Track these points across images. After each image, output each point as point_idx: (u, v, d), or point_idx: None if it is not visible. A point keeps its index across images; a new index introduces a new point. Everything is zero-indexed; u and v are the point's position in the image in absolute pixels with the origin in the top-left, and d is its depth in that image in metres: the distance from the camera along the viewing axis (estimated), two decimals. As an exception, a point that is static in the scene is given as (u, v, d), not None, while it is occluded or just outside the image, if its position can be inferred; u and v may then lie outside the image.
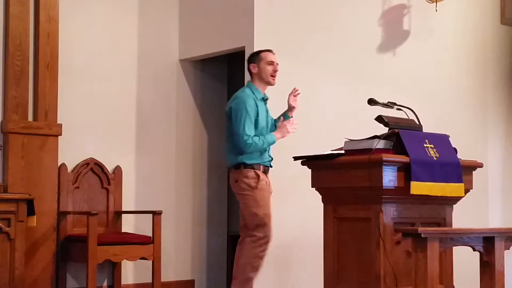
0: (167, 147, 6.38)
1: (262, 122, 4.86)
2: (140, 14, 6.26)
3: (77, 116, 5.80)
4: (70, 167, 5.73)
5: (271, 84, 4.93)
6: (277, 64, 4.93)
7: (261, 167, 4.84)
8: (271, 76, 4.89)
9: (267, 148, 4.88)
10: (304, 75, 5.90)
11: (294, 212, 5.74)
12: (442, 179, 4.04)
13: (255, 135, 4.77)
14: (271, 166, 4.94)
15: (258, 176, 4.80)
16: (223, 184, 6.79)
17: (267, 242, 4.80)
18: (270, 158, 4.93)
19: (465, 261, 4.95)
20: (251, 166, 4.81)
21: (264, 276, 5.03)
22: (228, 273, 6.73)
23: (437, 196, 4.06)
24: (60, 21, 5.66)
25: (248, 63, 4.98)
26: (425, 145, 4.08)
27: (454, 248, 4.12)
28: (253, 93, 4.88)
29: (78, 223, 5.67)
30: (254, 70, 4.93)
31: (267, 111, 4.95)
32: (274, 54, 4.95)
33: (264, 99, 4.95)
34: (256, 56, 4.96)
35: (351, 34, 6.38)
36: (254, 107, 4.80)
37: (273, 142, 4.85)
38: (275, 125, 4.99)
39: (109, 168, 5.93)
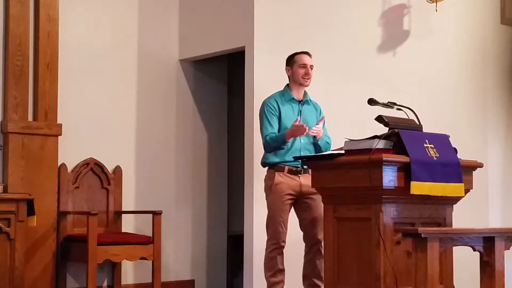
0: (167, 147, 6.37)
1: (287, 122, 4.82)
2: (140, 14, 6.26)
3: (77, 116, 5.79)
4: (70, 167, 5.73)
5: (304, 86, 4.95)
6: (311, 66, 4.94)
7: (286, 167, 4.79)
8: (303, 78, 4.90)
9: (297, 147, 4.79)
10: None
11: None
12: (442, 179, 4.04)
13: (272, 133, 4.78)
14: (302, 167, 4.79)
15: (273, 178, 4.80)
16: (223, 184, 6.79)
17: (274, 244, 4.83)
18: None
19: (465, 261, 4.95)
20: (273, 166, 4.83)
21: (263, 276, 5.02)
22: (228, 273, 6.74)
23: (437, 196, 4.06)
24: (60, 21, 5.66)
25: (285, 66, 5.01)
26: (425, 145, 4.08)
27: (454, 248, 4.12)
28: (282, 94, 4.92)
29: (78, 223, 5.67)
30: (288, 73, 4.98)
31: (300, 112, 4.91)
32: (309, 56, 4.97)
33: (298, 101, 4.93)
34: (290, 59, 4.99)
35: (351, 34, 6.38)
36: (273, 107, 4.83)
37: (282, 140, 4.69)
38: None
39: (109, 168, 5.93)
